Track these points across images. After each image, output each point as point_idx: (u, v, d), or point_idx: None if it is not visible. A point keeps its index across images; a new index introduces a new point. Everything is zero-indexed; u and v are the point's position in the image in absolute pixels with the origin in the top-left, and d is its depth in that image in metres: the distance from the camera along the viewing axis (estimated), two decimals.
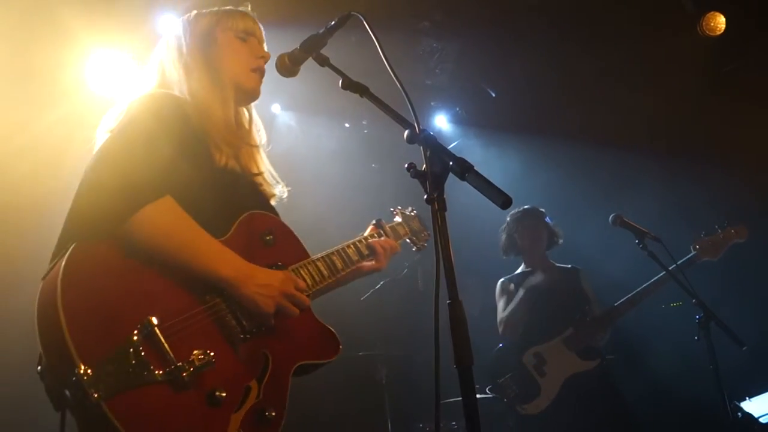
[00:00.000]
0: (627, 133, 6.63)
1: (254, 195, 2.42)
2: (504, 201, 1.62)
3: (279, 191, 2.57)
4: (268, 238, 2.26)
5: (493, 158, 7.21)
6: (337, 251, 2.53)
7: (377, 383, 5.62)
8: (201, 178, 2.14)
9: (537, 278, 5.41)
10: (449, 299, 1.65)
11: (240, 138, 2.42)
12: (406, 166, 1.82)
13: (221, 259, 2.01)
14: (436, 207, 1.71)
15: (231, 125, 2.37)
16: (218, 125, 2.26)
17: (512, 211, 5.65)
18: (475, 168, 1.70)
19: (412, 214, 3.15)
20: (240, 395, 1.94)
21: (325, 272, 2.40)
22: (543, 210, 5.64)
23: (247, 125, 2.55)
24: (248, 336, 2.05)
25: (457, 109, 7.32)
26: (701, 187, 6.47)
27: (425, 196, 1.74)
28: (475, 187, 1.67)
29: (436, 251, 1.68)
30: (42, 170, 4.46)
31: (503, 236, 5.66)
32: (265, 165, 2.53)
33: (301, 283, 2.22)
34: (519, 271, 5.64)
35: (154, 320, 1.80)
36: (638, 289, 5.03)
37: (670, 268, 4.38)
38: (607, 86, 6.62)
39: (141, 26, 4.90)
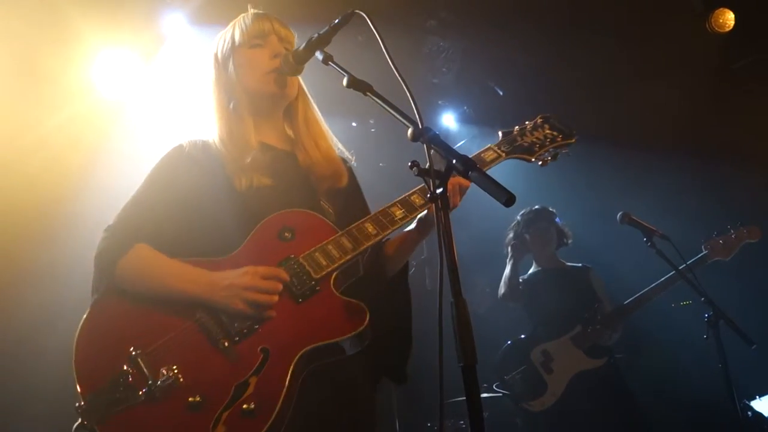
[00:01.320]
0: (636, 131, 6.60)
1: (300, 193, 2.45)
2: (507, 199, 1.61)
3: (347, 162, 2.65)
4: (286, 234, 2.31)
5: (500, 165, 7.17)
6: (372, 216, 2.38)
7: (385, 382, 5.61)
8: (218, 208, 2.35)
9: (550, 284, 5.44)
10: (452, 298, 1.64)
11: (258, 157, 2.43)
12: (409, 164, 1.81)
13: (186, 280, 2.24)
14: (440, 205, 1.70)
15: (248, 149, 2.41)
16: (233, 155, 2.40)
17: (522, 211, 5.66)
18: (478, 166, 1.69)
19: (539, 121, 2.75)
20: (225, 395, 2.06)
21: (348, 245, 2.29)
22: (553, 210, 5.63)
23: (294, 125, 2.58)
24: (238, 338, 2.16)
25: (465, 108, 7.29)
26: (712, 184, 6.43)
27: (428, 195, 1.74)
28: (478, 185, 1.66)
29: (440, 250, 1.66)
30: (49, 171, 4.49)
31: (510, 234, 5.66)
32: (320, 152, 2.54)
33: (267, 270, 2.20)
34: (531, 271, 5.63)
35: (138, 349, 2.13)
36: (648, 288, 5.02)
37: (680, 268, 4.36)
38: (616, 84, 6.59)
39: (148, 26, 4.90)
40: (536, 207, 5.64)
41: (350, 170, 2.69)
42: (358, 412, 2.37)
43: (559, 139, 2.71)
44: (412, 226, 2.53)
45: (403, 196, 2.43)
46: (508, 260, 5.57)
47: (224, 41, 2.54)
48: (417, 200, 2.42)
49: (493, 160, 2.55)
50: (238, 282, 2.17)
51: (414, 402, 5.81)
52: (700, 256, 4.77)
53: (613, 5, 5.93)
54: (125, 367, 2.10)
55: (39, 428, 4.22)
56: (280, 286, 2.19)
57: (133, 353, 2.12)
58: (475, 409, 1.62)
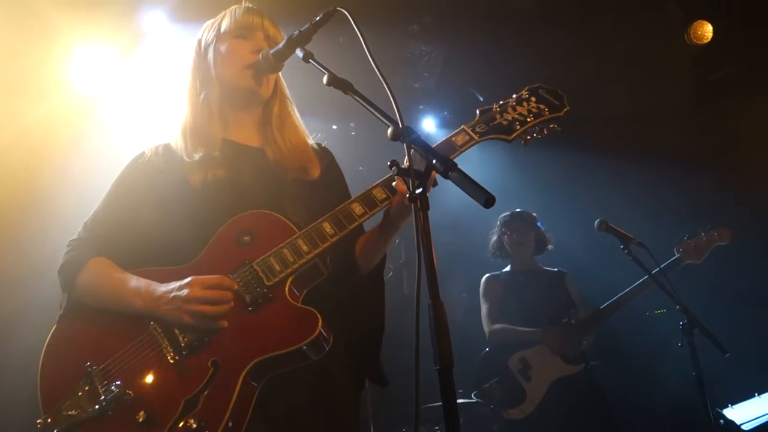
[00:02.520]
0: (615, 138, 6.65)
1: (261, 185, 2.39)
2: (487, 199, 1.58)
3: (324, 154, 2.58)
4: (245, 238, 2.25)
5: (481, 162, 7.19)
6: (331, 214, 2.25)
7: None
8: (176, 211, 2.30)
9: (524, 286, 5.41)
10: (430, 300, 1.61)
11: (214, 152, 2.38)
12: (388, 163, 1.79)
13: (132, 294, 2.20)
14: (419, 205, 1.67)
15: (208, 143, 2.38)
16: (189, 151, 2.37)
17: (502, 214, 5.66)
18: (458, 166, 1.67)
19: (524, 94, 2.48)
20: (173, 411, 2.02)
21: (304, 247, 2.20)
22: (534, 215, 5.63)
23: (268, 123, 2.52)
24: (187, 351, 2.12)
25: (445, 113, 7.30)
26: (688, 192, 6.49)
27: (407, 195, 1.71)
28: (458, 186, 1.64)
29: (418, 251, 1.63)
30: (26, 168, 4.42)
31: (493, 238, 5.67)
32: (290, 144, 2.48)
33: (211, 280, 2.14)
34: (506, 270, 5.62)
35: (94, 365, 2.14)
36: (622, 293, 5.05)
37: (653, 272, 4.39)
38: (595, 91, 6.63)
39: (127, 23, 4.85)
40: (517, 210, 5.66)
41: (329, 160, 2.62)
42: (335, 416, 2.30)
43: (546, 113, 2.43)
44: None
45: (365, 190, 2.30)
46: (519, 331, 5.33)
47: (210, 28, 2.51)
48: (379, 194, 2.28)
49: (464, 144, 2.32)
50: (181, 294, 2.12)
51: (389, 406, 5.78)
52: (672, 259, 4.82)
53: (593, 14, 5.97)
54: (81, 383, 2.12)
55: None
56: (229, 295, 2.14)
57: (89, 369, 2.13)
58: (451, 414, 1.59)
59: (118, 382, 2.09)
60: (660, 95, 6.35)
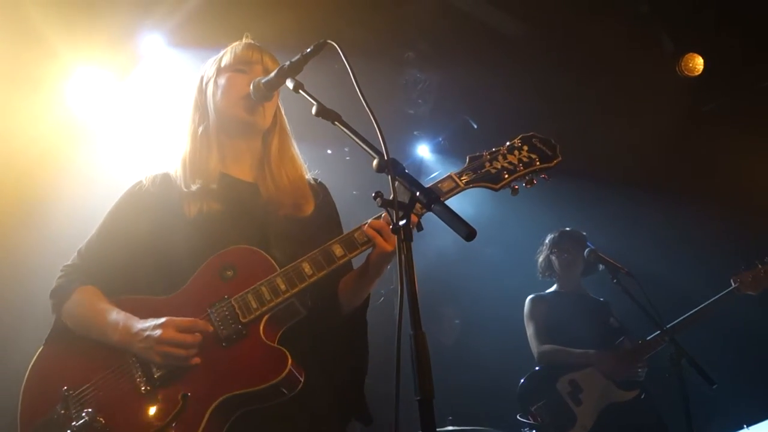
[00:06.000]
0: (606, 170, 6.68)
1: (252, 220, 2.43)
2: (468, 233, 1.61)
3: (320, 190, 2.61)
4: (228, 273, 2.30)
5: (475, 191, 7.20)
6: (311, 255, 2.28)
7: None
8: (170, 240, 2.36)
9: (572, 309, 5.31)
10: (411, 330, 1.62)
11: (211, 185, 2.42)
12: (373, 195, 1.81)
13: (111, 327, 2.27)
14: (402, 236, 1.69)
15: (206, 175, 2.42)
16: (187, 181, 2.42)
17: (551, 234, 5.57)
18: (441, 199, 1.69)
19: (517, 143, 2.47)
20: None
21: (282, 286, 2.23)
22: (585, 233, 5.50)
23: (267, 155, 2.56)
24: (159, 383, 2.18)
25: (440, 139, 7.35)
26: (678, 224, 6.53)
27: (390, 226, 1.74)
28: (441, 218, 1.67)
29: (400, 282, 1.65)
30: (19, 188, 4.43)
31: (540, 257, 5.57)
32: (287, 180, 2.51)
33: (185, 322, 2.20)
34: (551, 290, 5.50)
35: (71, 389, 2.20)
36: (681, 318, 4.82)
37: (711, 302, 4.35)
38: (589, 121, 6.68)
39: (125, 45, 4.89)
40: (566, 229, 5.53)
41: (324, 196, 2.65)
42: None
43: (536, 163, 2.42)
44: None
45: (347, 233, 2.34)
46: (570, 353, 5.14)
47: (212, 64, 2.58)
48: (360, 237, 2.31)
49: (450, 191, 2.35)
50: (154, 335, 2.18)
51: None
52: (729, 290, 4.74)
53: (587, 44, 6.04)
54: (59, 407, 2.17)
55: None
56: (199, 338, 2.18)
57: (66, 393, 2.19)
58: None
59: (90, 409, 2.14)
60: (651, 126, 6.41)
